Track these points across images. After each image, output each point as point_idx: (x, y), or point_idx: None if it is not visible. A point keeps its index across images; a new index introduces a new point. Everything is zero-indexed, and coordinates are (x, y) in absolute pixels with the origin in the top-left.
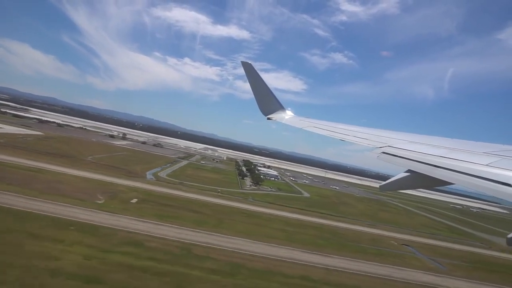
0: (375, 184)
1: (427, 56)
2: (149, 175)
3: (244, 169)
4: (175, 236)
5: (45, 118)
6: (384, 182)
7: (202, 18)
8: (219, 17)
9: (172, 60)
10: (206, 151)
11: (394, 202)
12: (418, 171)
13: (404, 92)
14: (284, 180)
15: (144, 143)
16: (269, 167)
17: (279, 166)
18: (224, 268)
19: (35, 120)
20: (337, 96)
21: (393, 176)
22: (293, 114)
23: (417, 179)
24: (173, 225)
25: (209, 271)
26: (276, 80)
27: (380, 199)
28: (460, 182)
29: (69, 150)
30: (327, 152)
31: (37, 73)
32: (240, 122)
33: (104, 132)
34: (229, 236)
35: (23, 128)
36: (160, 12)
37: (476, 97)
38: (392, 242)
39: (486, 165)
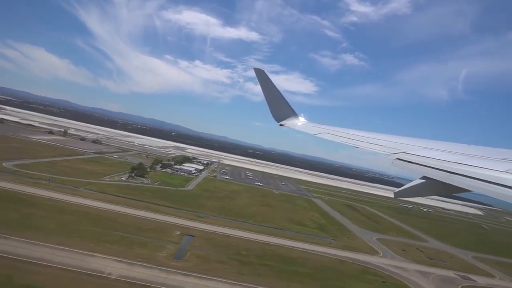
0: (357, 186)
1: (439, 56)
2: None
3: (158, 164)
4: None
5: None
6: (398, 189)
7: (212, 20)
8: (228, 19)
9: (183, 63)
10: (160, 149)
11: (315, 199)
12: (434, 178)
13: (416, 93)
14: (196, 175)
15: (83, 139)
16: (207, 164)
17: (244, 165)
18: None
19: None
20: (348, 97)
21: (406, 179)
22: (305, 121)
23: (432, 186)
24: None
25: None
26: (287, 82)
27: (304, 195)
28: (477, 189)
29: None
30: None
31: (53, 76)
32: (251, 124)
33: (52, 128)
34: None
35: None
36: (170, 15)
37: (491, 99)
38: (177, 232)
39: (505, 171)
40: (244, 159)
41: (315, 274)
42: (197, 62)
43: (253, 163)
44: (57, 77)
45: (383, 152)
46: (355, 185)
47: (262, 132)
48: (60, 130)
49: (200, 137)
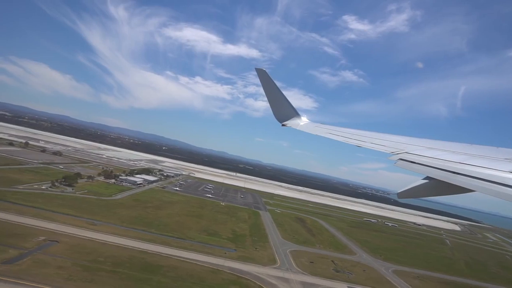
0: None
1: (438, 74)
2: None
3: (102, 175)
4: None
5: None
6: (401, 190)
7: (213, 37)
8: (229, 36)
9: (184, 79)
10: (128, 162)
11: (264, 212)
12: (437, 178)
13: (415, 110)
14: (143, 185)
15: (43, 151)
16: (167, 176)
17: (218, 180)
18: None
19: None
20: (348, 114)
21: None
22: (308, 121)
23: (436, 186)
24: None
25: None
26: (287, 98)
27: (256, 208)
28: (481, 189)
29: None
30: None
31: (55, 92)
32: (251, 140)
33: (17, 140)
34: None
35: None
36: (171, 32)
37: (489, 115)
38: (41, 238)
39: (509, 171)
40: (223, 173)
41: (169, 282)
42: (198, 78)
43: (232, 178)
44: (58, 92)
45: (385, 152)
46: (335, 200)
47: (262, 148)
48: (22, 142)
49: (198, 152)
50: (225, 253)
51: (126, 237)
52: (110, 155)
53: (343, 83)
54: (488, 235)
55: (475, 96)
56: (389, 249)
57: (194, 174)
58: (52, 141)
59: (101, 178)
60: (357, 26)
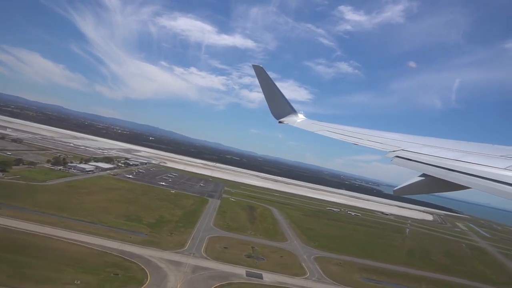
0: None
1: (433, 66)
2: None
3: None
4: None
5: None
6: (397, 187)
7: (207, 27)
8: (223, 27)
9: (178, 70)
10: (97, 150)
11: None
12: (433, 175)
13: (411, 102)
14: (93, 172)
15: (2, 138)
16: (132, 164)
17: (189, 169)
18: None
19: None
20: (343, 106)
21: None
22: (305, 118)
23: (432, 183)
24: None
25: None
26: (282, 89)
27: (209, 196)
28: (476, 186)
29: None
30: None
31: (48, 82)
32: (246, 131)
33: None
34: None
35: None
36: (165, 22)
37: (484, 107)
38: None
39: (504, 168)
40: (200, 163)
41: (37, 263)
42: (192, 69)
43: (208, 168)
44: (52, 82)
45: (382, 149)
46: (311, 190)
47: (257, 139)
48: None
49: (190, 143)
50: (130, 237)
51: (23, 220)
52: (80, 144)
53: (339, 74)
54: (459, 224)
55: (470, 88)
56: (330, 237)
57: (165, 163)
58: (23, 129)
59: (48, 165)
60: (353, 17)
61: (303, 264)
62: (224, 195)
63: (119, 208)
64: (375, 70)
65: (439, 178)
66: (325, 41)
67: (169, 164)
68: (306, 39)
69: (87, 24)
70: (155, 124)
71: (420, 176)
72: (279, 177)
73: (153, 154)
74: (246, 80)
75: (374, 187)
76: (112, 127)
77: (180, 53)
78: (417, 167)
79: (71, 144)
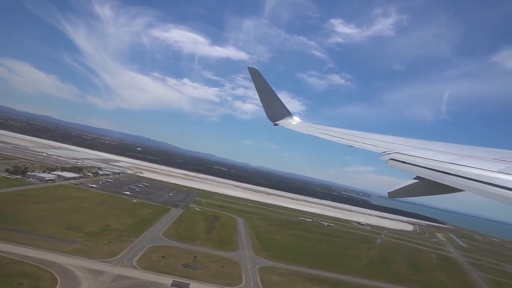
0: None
1: (424, 78)
2: None
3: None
4: None
5: None
6: (392, 189)
7: (200, 39)
8: (216, 38)
9: (171, 81)
10: (71, 160)
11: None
12: (427, 178)
13: (402, 113)
14: (54, 181)
15: None
16: (102, 174)
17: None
18: None
19: None
20: (335, 117)
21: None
22: (300, 120)
23: (426, 186)
24: None
25: None
26: None
27: (174, 206)
28: (470, 189)
29: None
30: (327, 174)
31: (39, 92)
32: (240, 142)
33: None
34: None
35: None
36: (158, 33)
37: (473, 119)
38: None
39: (497, 171)
40: (180, 174)
41: None
42: (185, 80)
43: (186, 178)
44: (43, 93)
45: (377, 152)
46: (290, 200)
47: (251, 150)
48: None
49: (181, 154)
50: (60, 246)
51: None
52: (53, 154)
53: (331, 86)
54: (439, 235)
55: (459, 101)
56: (288, 247)
57: (142, 173)
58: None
59: (5, 174)
60: (344, 30)
61: (243, 273)
62: (191, 205)
63: (63, 217)
64: (367, 82)
65: (434, 181)
66: (317, 53)
67: (146, 174)
68: (298, 51)
69: (79, 35)
70: (147, 135)
71: (414, 178)
72: (261, 188)
73: (132, 165)
74: (240, 91)
75: (364, 198)
76: (101, 137)
77: (173, 64)
78: (412, 170)
79: (44, 154)
